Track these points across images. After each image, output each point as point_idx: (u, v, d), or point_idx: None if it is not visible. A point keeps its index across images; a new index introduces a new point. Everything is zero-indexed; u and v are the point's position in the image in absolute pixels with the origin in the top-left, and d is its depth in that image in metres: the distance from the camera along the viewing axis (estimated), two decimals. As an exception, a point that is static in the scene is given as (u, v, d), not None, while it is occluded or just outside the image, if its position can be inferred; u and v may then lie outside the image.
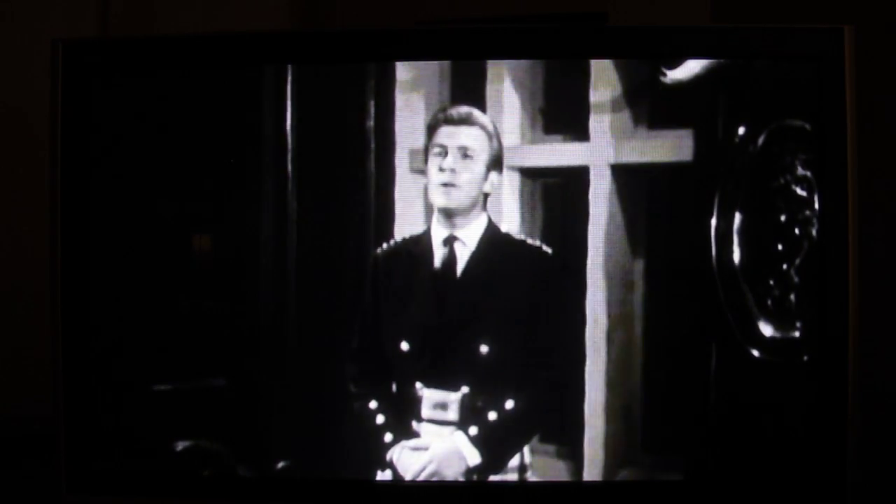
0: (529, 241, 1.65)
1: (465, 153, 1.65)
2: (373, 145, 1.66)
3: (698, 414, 1.64)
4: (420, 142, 1.66)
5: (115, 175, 1.68)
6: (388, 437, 1.67)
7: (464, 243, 1.67)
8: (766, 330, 1.62)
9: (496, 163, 1.65)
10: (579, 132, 1.64)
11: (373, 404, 1.68)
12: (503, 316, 1.66)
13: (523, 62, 1.64)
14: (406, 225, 1.66)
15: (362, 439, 1.68)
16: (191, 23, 2.19)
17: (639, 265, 1.63)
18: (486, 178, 1.65)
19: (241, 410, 1.69)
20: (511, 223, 1.65)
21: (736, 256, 1.62)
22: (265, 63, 1.66)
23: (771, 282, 1.62)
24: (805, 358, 1.61)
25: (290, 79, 1.66)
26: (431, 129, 1.65)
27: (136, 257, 1.68)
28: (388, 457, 1.67)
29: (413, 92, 1.65)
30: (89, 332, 1.66)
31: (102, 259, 1.67)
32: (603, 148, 1.62)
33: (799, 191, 1.61)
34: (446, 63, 1.65)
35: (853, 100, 1.59)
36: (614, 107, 1.63)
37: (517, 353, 1.66)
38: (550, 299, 1.65)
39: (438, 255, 1.67)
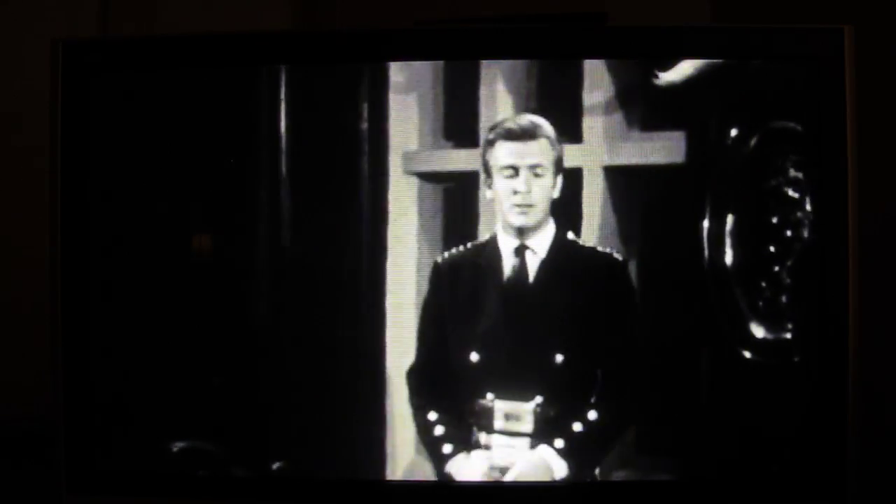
0: (600, 248, 1.63)
1: (535, 172, 1.63)
2: (373, 146, 1.66)
3: (699, 415, 1.64)
4: (414, 145, 1.65)
5: (116, 175, 1.68)
6: (454, 448, 1.66)
7: (534, 251, 1.65)
8: (767, 331, 1.62)
9: (560, 167, 1.63)
10: (572, 133, 1.63)
11: (439, 416, 1.66)
12: (577, 324, 1.64)
13: (517, 63, 1.63)
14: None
15: (432, 452, 1.67)
16: (191, 23, 2.19)
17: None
18: (554, 185, 1.64)
19: (242, 411, 1.68)
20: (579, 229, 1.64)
21: (740, 258, 1.62)
22: (265, 63, 1.66)
23: (766, 283, 1.62)
24: (804, 359, 1.61)
25: (290, 79, 1.66)
26: (490, 144, 1.63)
27: (135, 257, 1.68)
28: (451, 469, 1.66)
29: (406, 94, 1.64)
30: (89, 331, 1.66)
31: (102, 259, 1.67)
32: (596, 149, 1.62)
33: (795, 192, 1.61)
34: (440, 63, 1.64)
35: (853, 100, 1.58)
36: (607, 108, 1.62)
37: (593, 361, 1.64)
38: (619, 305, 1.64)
39: (509, 263, 1.65)
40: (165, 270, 1.69)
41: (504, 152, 1.63)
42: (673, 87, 1.62)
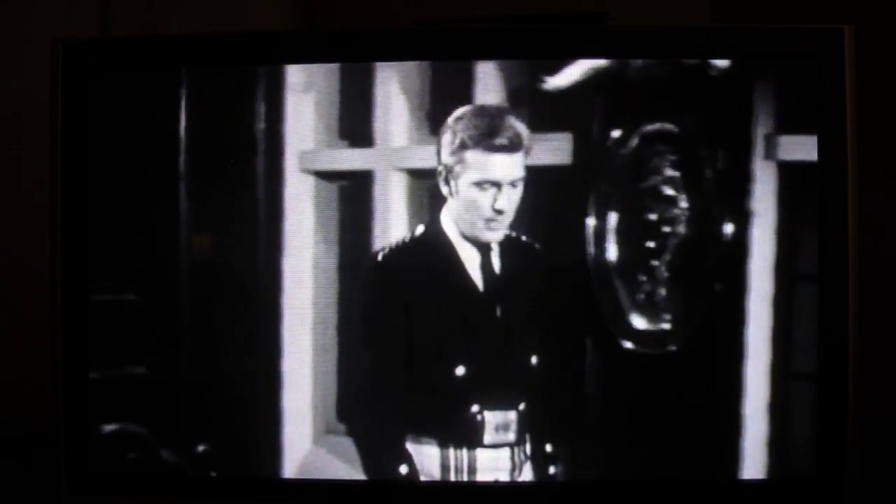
0: (524, 237, 1.57)
1: (514, 184, 1.53)
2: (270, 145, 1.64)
3: (697, 413, 1.65)
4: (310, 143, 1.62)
5: (115, 175, 1.68)
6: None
7: (493, 249, 1.57)
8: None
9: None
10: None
11: (433, 435, 1.60)
12: (537, 320, 1.58)
13: (412, 64, 1.61)
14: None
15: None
16: (191, 23, 2.19)
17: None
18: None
19: (245, 412, 1.68)
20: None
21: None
22: (263, 63, 1.66)
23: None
24: (815, 360, 1.61)
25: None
26: (462, 146, 1.53)
27: (135, 257, 1.68)
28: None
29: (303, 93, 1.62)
30: (89, 332, 1.66)
31: (101, 259, 1.67)
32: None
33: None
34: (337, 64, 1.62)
35: (853, 100, 1.58)
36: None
37: (562, 358, 1.58)
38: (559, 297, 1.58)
39: (474, 262, 1.58)
40: (168, 269, 1.68)
41: (484, 165, 1.53)
42: (559, 91, 1.58)
